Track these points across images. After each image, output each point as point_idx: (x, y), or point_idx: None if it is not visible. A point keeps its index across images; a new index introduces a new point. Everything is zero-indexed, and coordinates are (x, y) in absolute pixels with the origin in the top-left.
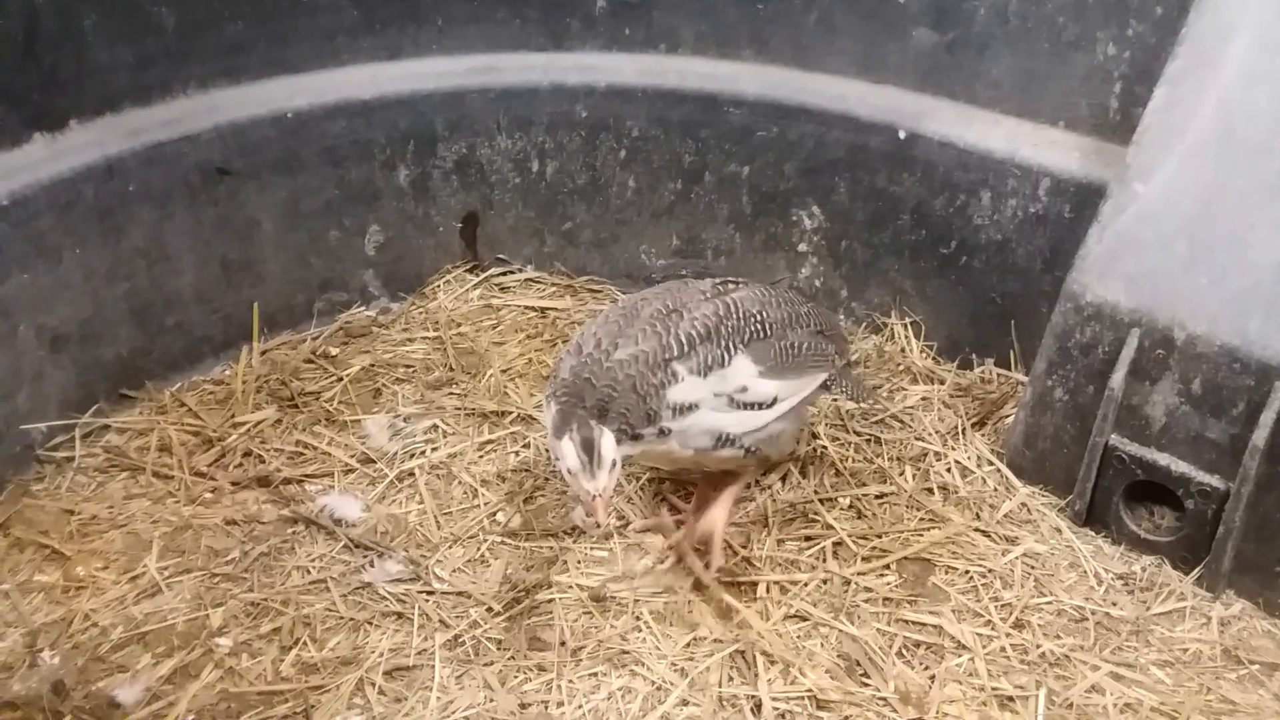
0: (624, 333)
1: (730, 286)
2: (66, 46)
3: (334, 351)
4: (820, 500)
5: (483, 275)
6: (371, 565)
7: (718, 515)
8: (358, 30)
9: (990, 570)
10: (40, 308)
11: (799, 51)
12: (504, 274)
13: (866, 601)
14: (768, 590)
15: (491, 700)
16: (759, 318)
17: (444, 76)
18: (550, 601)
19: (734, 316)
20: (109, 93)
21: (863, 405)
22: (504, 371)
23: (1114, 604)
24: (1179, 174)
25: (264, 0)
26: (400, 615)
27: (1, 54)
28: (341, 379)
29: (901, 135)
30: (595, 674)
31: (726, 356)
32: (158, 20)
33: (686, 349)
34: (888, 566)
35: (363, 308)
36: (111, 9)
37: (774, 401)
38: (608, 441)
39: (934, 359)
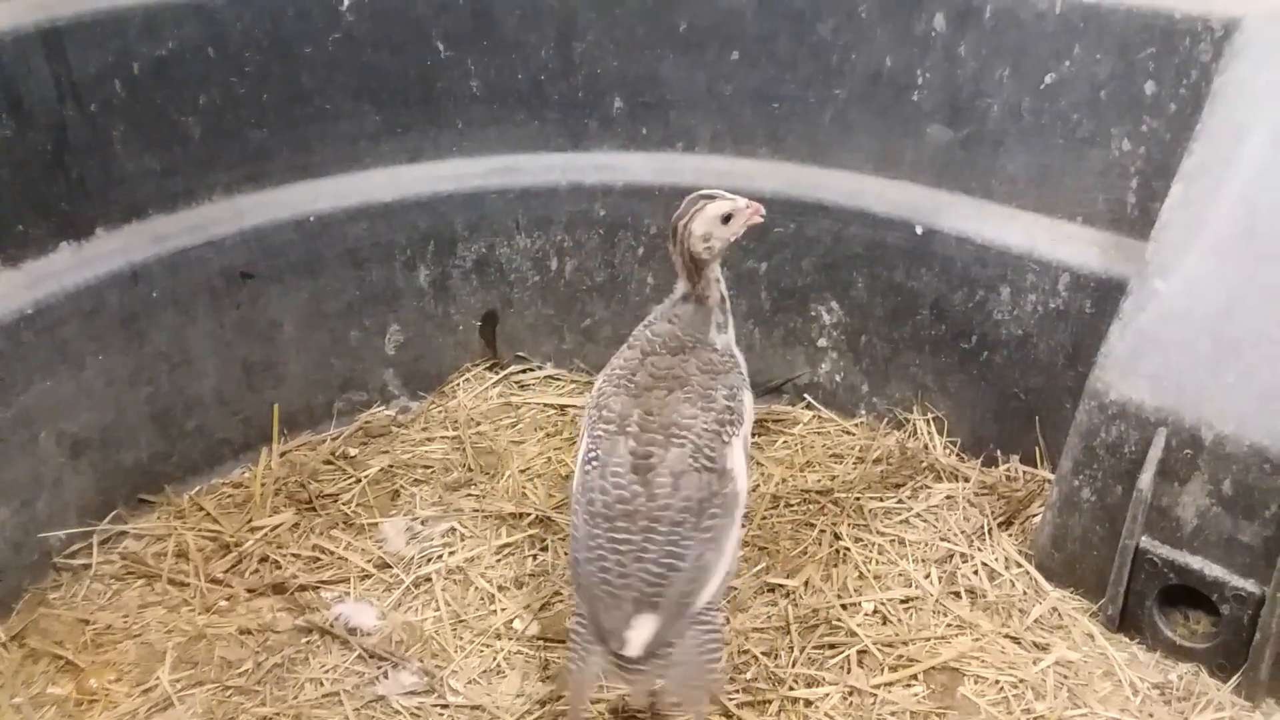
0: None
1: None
2: (94, 156)
3: (353, 452)
4: (843, 606)
5: (502, 373)
6: (385, 677)
7: None
8: (379, 134)
9: (1021, 680)
10: (62, 414)
11: (815, 149)
12: (523, 371)
13: (893, 715)
14: (792, 704)
15: None
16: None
17: (464, 178)
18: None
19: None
20: (136, 201)
21: None
22: (523, 471)
23: (1150, 715)
24: (1200, 271)
25: (288, 108)
26: None
27: (30, 165)
28: (360, 480)
29: (919, 231)
30: None
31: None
32: (184, 129)
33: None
34: (915, 677)
35: (382, 407)
36: (139, 119)
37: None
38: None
39: (958, 456)
